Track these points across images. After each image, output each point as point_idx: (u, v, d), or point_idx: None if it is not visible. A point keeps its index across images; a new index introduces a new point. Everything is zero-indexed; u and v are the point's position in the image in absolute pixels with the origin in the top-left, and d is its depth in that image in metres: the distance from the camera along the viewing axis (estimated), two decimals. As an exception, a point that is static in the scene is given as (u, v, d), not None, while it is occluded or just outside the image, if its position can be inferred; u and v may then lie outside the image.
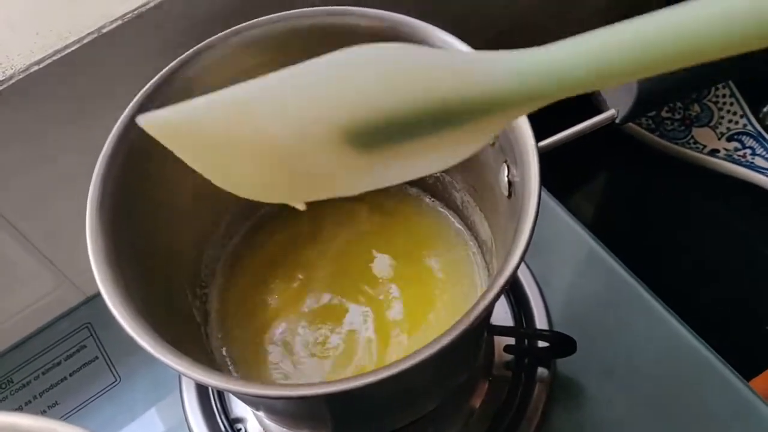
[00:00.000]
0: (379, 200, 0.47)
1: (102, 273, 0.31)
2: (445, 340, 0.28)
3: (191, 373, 0.29)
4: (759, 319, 0.58)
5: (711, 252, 0.63)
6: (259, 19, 0.37)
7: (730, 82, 0.67)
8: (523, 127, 0.32)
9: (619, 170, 0.70)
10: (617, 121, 0.34)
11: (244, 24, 0.37)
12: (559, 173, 0.55)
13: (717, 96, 0.67)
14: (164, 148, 0.36)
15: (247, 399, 0.39)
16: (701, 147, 0.66)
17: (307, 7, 0.37)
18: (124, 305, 0.30)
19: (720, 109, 0.67)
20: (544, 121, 0.34)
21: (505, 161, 0.35)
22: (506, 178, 0.35)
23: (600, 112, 0.35)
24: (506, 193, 0.35)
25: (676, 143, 0.66)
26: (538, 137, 0.32)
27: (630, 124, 0.67)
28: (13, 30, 0.39)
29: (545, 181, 0.53)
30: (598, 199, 0.68)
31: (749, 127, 0.65)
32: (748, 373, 0.52)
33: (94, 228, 0.32)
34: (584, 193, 0.68)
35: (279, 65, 0.39)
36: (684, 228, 0.65)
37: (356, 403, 0.35)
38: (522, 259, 0.29)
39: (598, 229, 0.55)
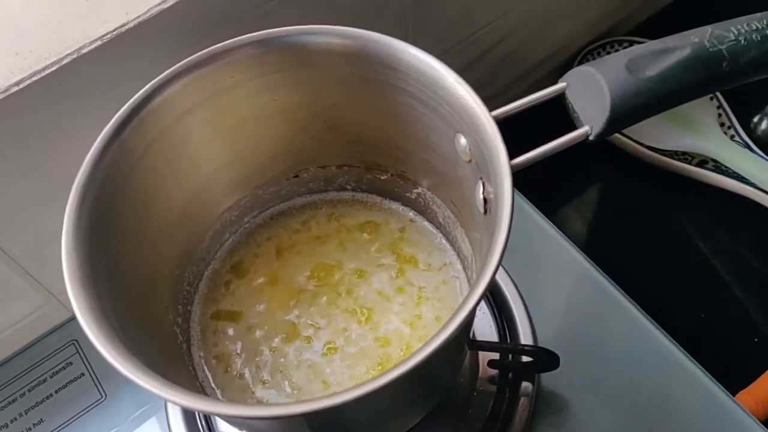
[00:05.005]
0: (362, 216, 0.47)
1: (78, 296, 0.31)
2: (422, 355, 0.28)
3: (164, 393, 0.29)
4: (746, 331, 0.58)
5: (699, 264, 0.63)
6: (237, 39, 0.37)
7: (718, 94, 0.67)
8: (496, 144, 0.32)
9: (607, 182, 0.70)
10: (591, 138, 0.34)
11: (222, 44, 0.37)
12: (547, 186, 0.56)
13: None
14: (143, 169, 0.36)
15: (227, 419, 0.39)
16: (689, 158, 0.66)
17: (284, 26, 0.37)
18: (100, 327, 0.30)
19: (708, 121, 0.67)
20: (518, 138, 0.34)
21: (481, 178, 0.35)
22: (482, 195, 0.35)
23: (575, 128, 0.35)
24: (482, 209, 0.35)
25: (665, 155, 0.66)
26: (513, 154, 0.32)
27: (618, 136, 0.67)
28: (-8, 51, 0.39)
29: (532, 194, 0.54)
30: (585, 213, 0.68)
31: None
32: (738, 383, 0.52)
33: (70, 249, 0.32)
34: (571, 206, 0.68)
35: (258, 82, 0.39)
36: (672, 240, 0.65)
37: (336, 421, 0.35)
38: (493, 277, 0.29)
39: (585, 242, 0.55)
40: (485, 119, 0.33)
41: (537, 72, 0.73)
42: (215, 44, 0.37)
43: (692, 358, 0.47)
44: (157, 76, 0.36)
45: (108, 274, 0.33)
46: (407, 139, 0.40)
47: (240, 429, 0.44)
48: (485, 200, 0.35)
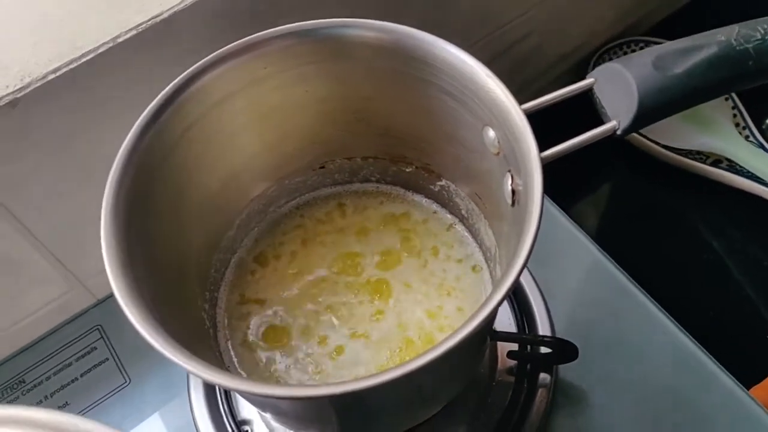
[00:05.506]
0: (386, 207, 0.48)
1: (115, 274, 0.31)
2: (448, 344, 0.29)
3: (199, 371, 0.29)
4: (760, 327, 0.59)
5: (713, 261, 0.64)
6: (272, 30, 0.38)
7: (733, 94, 0.67)
8: (527, 137, 0.33)
9: (622, 180, 0.70)
10: (618, 132, 0.35)
11: (258, 35, 0.38)
12: (564, 182, 0.56)
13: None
14: (180, 153, 0.37)
15: (254, 399, 0.39)
16: (704, 158, 0.67)
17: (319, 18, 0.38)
18: (136, 306, 0.31)
19: (723, 121, 0.68)
20: (547, 132, 0.35)
21: (509, 170, 0.36)
22: (510, 187, 0.36)
23: (602, 123, 0.36)
24: (510, 201, 0.36)
25: (680, 154, 0.67)
26: (542, 147, 0.33)
27: (634, 134, 0.68)
28: (31, 38, 0.40)
29: (549, 190, 0.54)
30: (601, 209, 0.69)
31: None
32: (749, 381, 0.52)
33: (109, 231, 0.33)
34: (588, 202, 0.69)
35: (292, 73, 0.40)
36: (684, 239, 0.65)
37: (360, 405, 0.36)
38: (524, 266, 0.30)
39: (602, 237, 0.56)
40: (515, 113, 0.34)
41: (555, 70, 0.73)
42: (249, 35, 0.38)
43: (708, 353, 0.48)
44: (192, 65, 0.37)
45: (143, 257, 0.34)
46: (436, 133, 0.41)
47: (263, 411, 0.45)
48: (513, 192, 0.35)
